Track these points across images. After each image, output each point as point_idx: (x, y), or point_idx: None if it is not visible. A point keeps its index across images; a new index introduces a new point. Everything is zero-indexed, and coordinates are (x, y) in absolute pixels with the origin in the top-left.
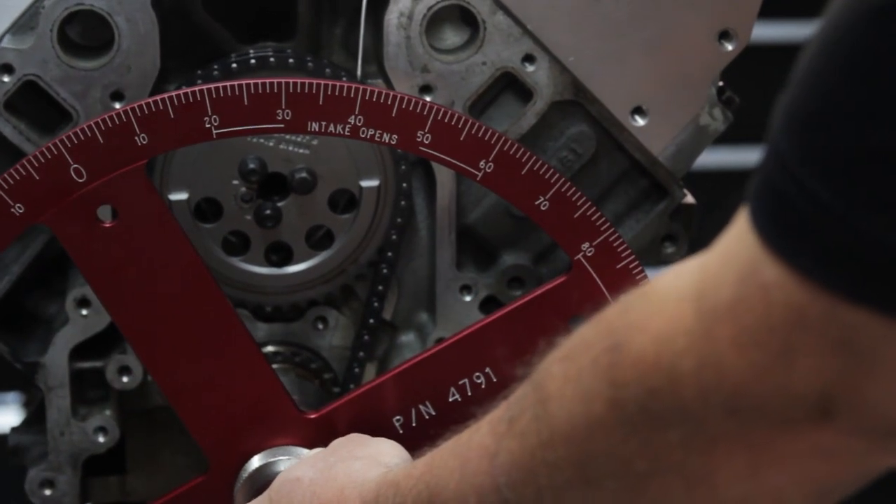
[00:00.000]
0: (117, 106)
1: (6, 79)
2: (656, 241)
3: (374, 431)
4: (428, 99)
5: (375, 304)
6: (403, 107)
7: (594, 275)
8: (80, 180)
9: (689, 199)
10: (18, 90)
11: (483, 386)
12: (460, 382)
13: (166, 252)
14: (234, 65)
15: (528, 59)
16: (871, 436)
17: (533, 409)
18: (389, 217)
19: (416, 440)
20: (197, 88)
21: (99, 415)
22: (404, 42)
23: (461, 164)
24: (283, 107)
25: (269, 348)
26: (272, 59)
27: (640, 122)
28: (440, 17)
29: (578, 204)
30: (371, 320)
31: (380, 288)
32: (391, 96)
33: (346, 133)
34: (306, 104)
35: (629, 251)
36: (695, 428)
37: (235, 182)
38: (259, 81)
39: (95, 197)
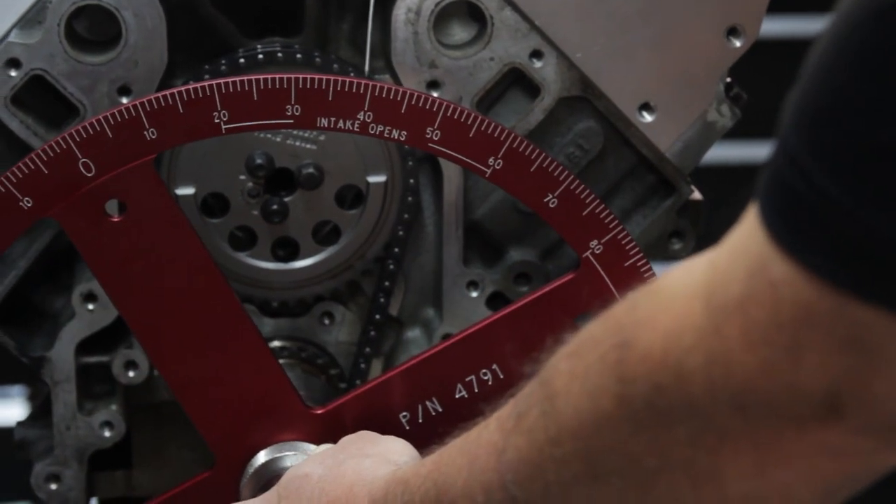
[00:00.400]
0: (124, 100)
1: (13, 73)
2: (663, 238)
3: (381, 428)
4: (435, 95)
5: (382, 300)
6: (413, 103)
7: (602, 272)
8: (89, 175)
9: (697, 195)
10: (25, 85)
11: (490, 383)
12: (467, 379)
13: (174, 247)
14: (242, 60)
15: (536, 54)
16: (879, 434)
17: (540, 405)
18: (396, 213)
19: (422, 437)
20: (206, 83)
21: (105, 409)
22: (412, 37)
23: (470, 161)
24: (293, 102)
25: (276, 343)
26: (280, 55)
27: (647, 118)
28: (448, 12)
29: (587, 201)
30: (377, 316)
31: (386, 283)
32: (401, 92)
33: (356, 129)
34: (316, 100)
35: (637, 249)
36: (702, 425)
37: (242, 177)
38: (268, 77)
39: (104, 191)
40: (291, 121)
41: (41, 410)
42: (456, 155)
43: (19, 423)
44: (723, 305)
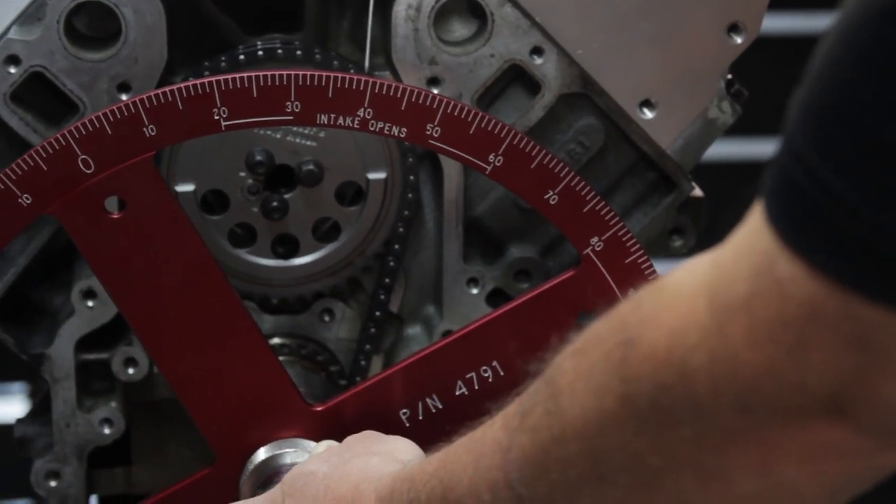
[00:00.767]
0: (124, 97)
1: (13, 70)
2: (664, 235)
3: (381, 424)
4: (435, 91)
5: (382, 297)
6: (413, 100)
7: (603, 269)
8: (88, 171)
9: (698, 192)
10: (25, 81)
11: (490, 379)
12: (467, 376)
13: (174, 243)
14: (242, 56)
15: (536, 51)
16: (885, 433)
17: (545, 404)
18: (396, 209)
19: (423, 434)
20: (206, 80)
21: (104, 406)
22: (412, 34)
23: (470, 158)
24: (293, 99)
25: (276, 340)
26: (280, 51)
27: (648, 114)
28: (448, 9)
29: (588, 198)
30: (377, 313)
31: (386, 280)
32: (401, 89)
33: (356, 126)
34: (316, 96)
35: (638, 246)
36: (707, 423)
37: (242, 174)
38: (268, 73)
39: (103, 188)
40: (291, 117)
41: (41, 407)
42: (456, 151)
43: (19, 420)
44: (727, 304)
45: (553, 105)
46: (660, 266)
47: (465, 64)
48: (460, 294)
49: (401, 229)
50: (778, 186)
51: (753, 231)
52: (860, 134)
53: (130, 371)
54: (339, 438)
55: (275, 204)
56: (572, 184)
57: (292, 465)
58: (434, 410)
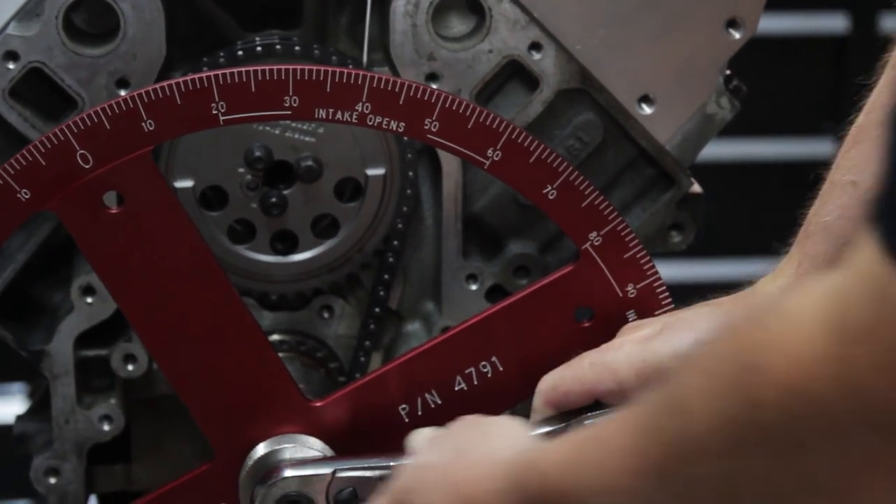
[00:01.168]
0: (122, 93)
1: (11, 66)
2: (663, 230)
3: (380, 420)
4: (434, 87)
5: (381, 293)
6: (411, 94)
7: (602, 264)
8: (87, 166)
9: (696, 187)
10: (24, 77)
11: (489, 375)
12: (466, 371)
13: (172, 239)
14: (240, 52)
15: (535, 47)
16: None
17: (671, 418)
18: (395, 205)
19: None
20: (204, 75)
21: (104, 403)
22: (410, 30)
23: (469, 153)
24: (291, 93)
25: (275, 337)
26: (278, 47)
27: (647, 110)
28: (446, 4)
29: (586, 193)
30: (377, 309)
31: (385, 277)
32: (399, 84)
33: (354, 120)
34: (314, 91)
35: (637, 241)
36: (839, 451)
37: (241, 170)
38: (266, 68)
39: (102, 183)
40: (289, 112)
41: (40, 404)
42: (454, 146)
43: (18, 417)
44: (852, 332)
45: (552, 101)
46: (658, 262)
47: (463, 60)
48: (459, 290)
49: (400, 225)
50: (887, 211)
51: (870, 259)
52: None
53: (130, 367)
54: (339, 434)
55: (273, 200)
56: (571, 178)
57: (291, 460)
58: (433, 406)
